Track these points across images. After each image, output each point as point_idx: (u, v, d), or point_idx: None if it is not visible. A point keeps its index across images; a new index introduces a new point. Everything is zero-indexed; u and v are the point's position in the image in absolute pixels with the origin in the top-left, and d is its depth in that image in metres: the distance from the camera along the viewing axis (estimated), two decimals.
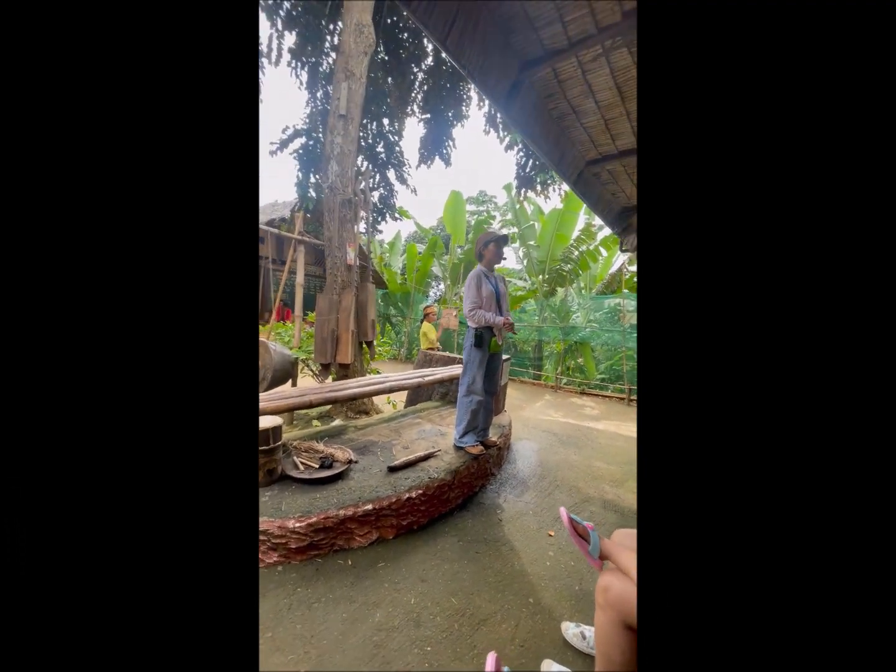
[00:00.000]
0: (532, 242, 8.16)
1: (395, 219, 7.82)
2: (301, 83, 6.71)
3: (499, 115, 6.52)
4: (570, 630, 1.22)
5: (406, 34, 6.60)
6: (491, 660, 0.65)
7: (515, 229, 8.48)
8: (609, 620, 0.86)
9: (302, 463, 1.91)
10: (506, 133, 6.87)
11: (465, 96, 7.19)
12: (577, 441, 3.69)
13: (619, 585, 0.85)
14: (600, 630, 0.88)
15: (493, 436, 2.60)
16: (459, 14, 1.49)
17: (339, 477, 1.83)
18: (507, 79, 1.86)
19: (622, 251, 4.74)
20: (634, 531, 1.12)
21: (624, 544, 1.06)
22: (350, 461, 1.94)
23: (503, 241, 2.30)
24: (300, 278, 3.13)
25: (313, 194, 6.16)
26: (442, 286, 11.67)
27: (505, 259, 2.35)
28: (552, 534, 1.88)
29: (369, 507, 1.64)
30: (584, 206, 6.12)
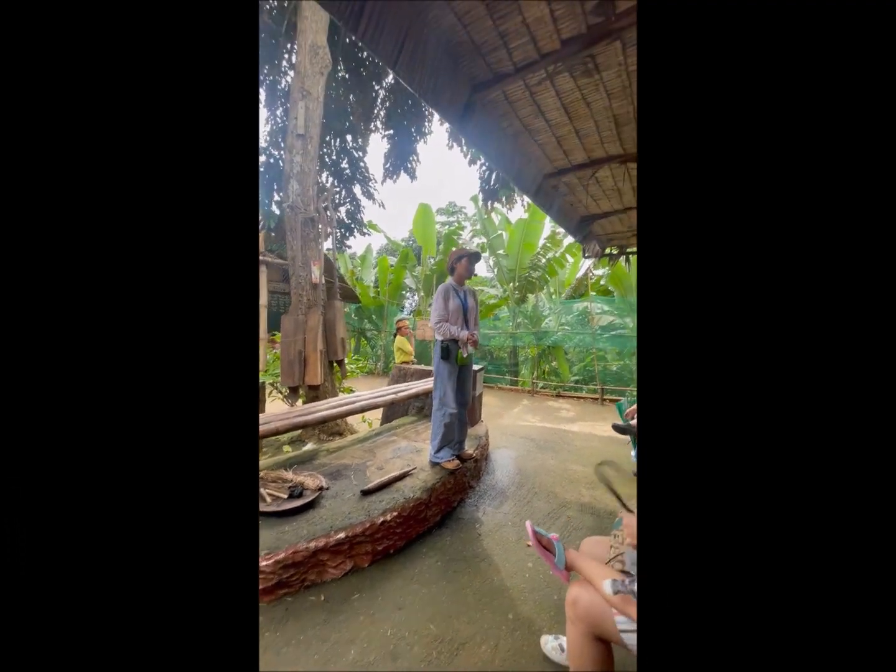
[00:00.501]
0: (501, 251, 8.36)
1: (364, 233, 7.79)
2: (259, 101, 6.63)
3: None
4: (548, 644, 1.22)
5: (366, 53, 6.69)
6: None
7: (484, 239, 8.67)
8: (580, 633, 0.86)
9: (269, 494, 1.81)
10: (469, 148, 7.06)
11: (426, 112, 7.35)
12: (554, 445, 3.75)
13: (587, 597, 0.86)
14: (572, 644, 0.88)
15: (469, 448, 2.59)
16: (407, 39, 1.54)
17: (309, 506, 1.76)
18: (459, 99, 1.92)
19: (585, 257, 4.95)
20: (603, 538, 1.14)
21: (593, 553, 1.08)
22: (321, 488, 1.86)
23: (475, 258, 2.36)
24: (263, 299, 3.03)
25: (277, 212, 6.03)
26: (416, 298, 11.68)
27: (476, 275, 2.40)
28: (530, 544, 1.88)
29: (342, 535, 1.57)
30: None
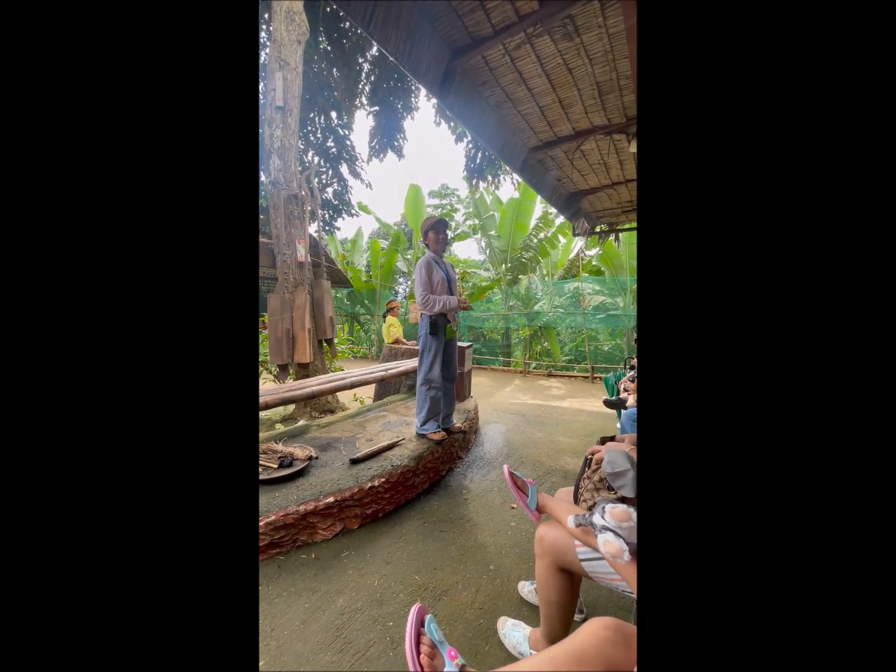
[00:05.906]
0: (493, 232, 8.28)
1: (353, 215, 7.65)
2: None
3: None
4: (525, 588, 1.30)
5: (348, 23, 6.41)
6: (414, 609, 0.68)
7: (477, 221, 8.57)
8: (545, 566, 0.93)
9: (260, 465, 1.87)
10: (453, 122, 6.89)
11: (413, 87, 7.12)
12: (543, 419, 3.85)
13: (553, 533, 0.93)
14: (540, 576, 0.95)
15: (457, 422, 2.65)
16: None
17: (299, 474, 1.81)
18: (438, 65, 1.88)
19: (574, 235, 4.94)
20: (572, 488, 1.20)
21: (563, 500, 1.14)
22: (310, 457, 1.92)
23: (441, 224, 2.31)
24: None
25: (263, 193, 5.88)
26: (408, 281, 11.60)
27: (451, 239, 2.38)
28: (514, 506, 1.97)
29: (331, 499, 1.64)
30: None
